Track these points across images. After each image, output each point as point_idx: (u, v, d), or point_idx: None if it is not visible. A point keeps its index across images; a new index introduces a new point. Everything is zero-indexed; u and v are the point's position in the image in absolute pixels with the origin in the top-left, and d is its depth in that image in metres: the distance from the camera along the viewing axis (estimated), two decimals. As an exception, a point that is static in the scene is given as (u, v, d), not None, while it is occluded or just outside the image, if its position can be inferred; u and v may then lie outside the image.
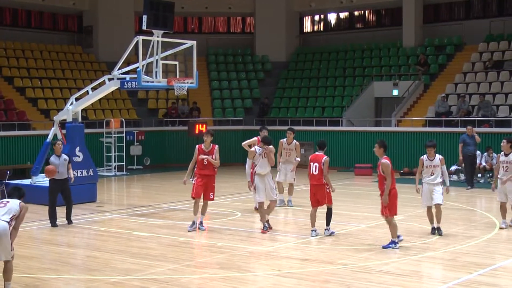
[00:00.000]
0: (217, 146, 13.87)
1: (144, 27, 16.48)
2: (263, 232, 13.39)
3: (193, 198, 13.93)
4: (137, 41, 16.33)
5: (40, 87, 28.33)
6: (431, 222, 13.14)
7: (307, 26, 36.24)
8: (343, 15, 35.14)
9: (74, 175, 17.44)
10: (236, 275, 10.20)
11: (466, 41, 30.29)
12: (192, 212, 14.05)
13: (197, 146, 13.96)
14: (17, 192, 9.27)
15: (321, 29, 36.03)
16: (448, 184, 13.31)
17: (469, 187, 20.87)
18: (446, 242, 12.47)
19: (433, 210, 13.12)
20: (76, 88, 26.79)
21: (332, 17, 35.62)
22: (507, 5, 30.46)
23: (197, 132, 24.98)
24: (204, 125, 25.49)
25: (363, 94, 29.14)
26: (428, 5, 31.95)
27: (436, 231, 13.08)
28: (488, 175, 22.34)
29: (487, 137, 23.69)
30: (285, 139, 16.94)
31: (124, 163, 26.37)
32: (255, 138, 15.80)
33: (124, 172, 26.12)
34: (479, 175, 22.49)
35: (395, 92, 28.59)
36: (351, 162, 26.45)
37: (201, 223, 13.95)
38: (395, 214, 12.10)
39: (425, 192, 13.09)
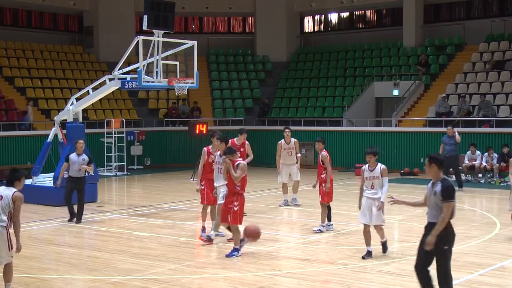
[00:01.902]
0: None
1: (144, 27, 16.47)
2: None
3: (204, 204, 13.20)
4: (138, 41, 16.31)
5: (40, 87, 28.34)
6: (367, 243, 11.12)
7: (308, 26, 36.27)
8: (343, 15, 35.16)
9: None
10: (236, 275, 10.20)
11: (467, 41, 30.30)
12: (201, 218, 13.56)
13: (204, 148, 13.13)
14: (13, 175, 8.79)
15: (322, 29, 36.06)
16: (382, 199, 10.94)
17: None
18: (447, 242, 12.45)
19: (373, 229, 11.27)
20: (76, 88, 26.80)
21: (332, 17, 35.64)
22: (507, 5, 30.47)
23: (197, 132, 24.98)
24: (205, 125, 25.49)
25: (364, 94, 29.15)
26: (429, 5, 31.96)
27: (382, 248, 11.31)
28: (488, 175, 22.35)
29: (487, 137, 23.71)
30: (283, 140, 16.92)
31: (124, 163, 26.38)
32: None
33: (125, 172, 26.12)
34: (480, 175, 22.50)
35: (395, 92, 28.59)
36: (351, 162, 26.45)
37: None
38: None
39: (363, 207, 11.13)
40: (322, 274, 10.26)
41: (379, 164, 11.13)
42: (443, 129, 24.73)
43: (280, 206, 17.06)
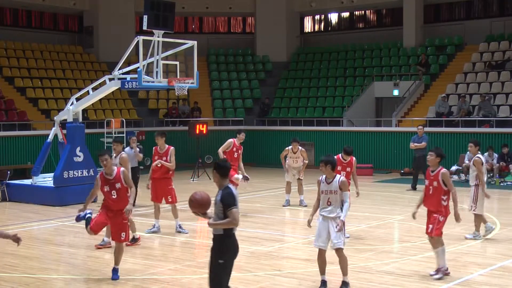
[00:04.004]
0: (172, 147, 14.06)
1: (144, 27, 16.48)
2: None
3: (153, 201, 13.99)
4: (138, 41, 16.32)
5: (40, 87, 28.33)
6: (322, 271, 9.31)
7: (308, 26, 36.27)
8: (343, 15, 35.16)
9: (75, 175, 17.71)
10: (236, 275, 10.17)
11: (467, 41, 30.31)
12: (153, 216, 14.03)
13: (154, 148, 14.11)
14: None
15: (322, 29, 36.06)
16: (343, 217, 9.32)
17: (410, 189, 20.09)
18: (447, 242, 12.44)
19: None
20: (76, 88, 26.79)
21: (332, 17, 35.64)
22: (507, 5, 30.47)
23: (197, 132, 24.98)
24: (205, 125, 25.48)
25: (364, 94, 29.15)
26: (429, 5, 31.97)
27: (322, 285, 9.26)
28: (488, 175, 22.32)
29: (487, 137, 23.70)
30: (290, 148, 17.15)
31: (124, 163, 26.31)
32: (230, 140, 15.65)
33: (125, 172, 26.04)
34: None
35: (395, 92, 28.59)
36: (351, 162, 26.40)
37: (180, 226, 13.83)
38: None
39: (319, 228, 9.32)
40: (322, 274, 10.24)
41: (338, 176, 9.26)
42: (443, 129, 24.83)
43: (283, 206, 17.11)
